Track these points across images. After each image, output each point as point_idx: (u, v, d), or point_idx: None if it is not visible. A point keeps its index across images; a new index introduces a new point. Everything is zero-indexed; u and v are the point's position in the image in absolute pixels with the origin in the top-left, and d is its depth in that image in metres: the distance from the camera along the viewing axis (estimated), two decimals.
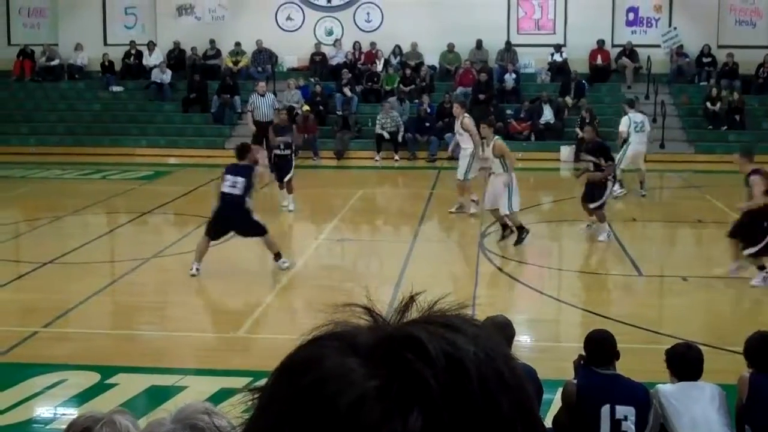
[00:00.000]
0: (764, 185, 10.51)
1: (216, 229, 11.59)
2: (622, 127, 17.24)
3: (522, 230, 13.28)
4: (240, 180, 11.46)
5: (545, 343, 9.61)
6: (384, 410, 0.79)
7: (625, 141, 17.07)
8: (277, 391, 0.86)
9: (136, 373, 8.27)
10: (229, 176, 11.61)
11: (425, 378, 0.80)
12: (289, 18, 27.31)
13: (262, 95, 21.49)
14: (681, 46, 25.92)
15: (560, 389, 5.89)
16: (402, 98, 24.78)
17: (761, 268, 10.99)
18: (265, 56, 26.73)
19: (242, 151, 12.50)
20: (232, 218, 11.49)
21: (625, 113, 17.64)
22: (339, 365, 0.82)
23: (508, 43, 26.53)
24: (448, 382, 0.81)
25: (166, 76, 26.13)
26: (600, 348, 5.71)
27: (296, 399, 0.82)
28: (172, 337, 9.67)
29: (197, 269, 11.47)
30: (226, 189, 11.50)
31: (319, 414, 0.80)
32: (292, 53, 27.01)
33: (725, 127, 24.01)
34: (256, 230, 11.65)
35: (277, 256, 11.79)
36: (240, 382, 7.32)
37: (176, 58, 27.04)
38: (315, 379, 0.82)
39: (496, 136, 13.87)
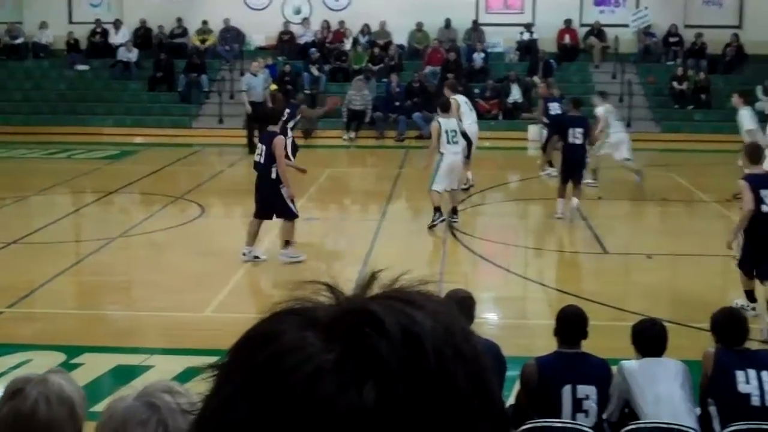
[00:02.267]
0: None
1: (255, 205, 11.13)
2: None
3: (437, 212, 12.83)
4: (263, 148, 10.92)
5: (511, 320, 9.67)
6: (339, 383, 0.79)
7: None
8: (235, 365, 0.86)
9: (101, 353, 8.22)
10: (259, 144, 11.21)
11: (380, 352, 0.81)
12: None
13: (256, 75, 21.31)
14: (649, 26, 26.02)
15: None
16: (370, 77, 24.71)
17: None
18: (232, 35, 26.53)
19: (271, 116, 11.96)
20: (259, 189, 11.07)
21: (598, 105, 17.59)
22: (296, 339, 0.83)
23: (476, 22, 26.52)
24: (404, 356, 0.81)
25: (133, 55, 25.86)
26: (571, 326, 5.73)
27: (253, 372, 0.82)
28: (138, 316, 9.62)
29: (246, 252, 11.18)
30: (255, 158, 11.11)
31: (275, 387, 0.80)
32: (260, 32, 26.80)
33: (691, 107, 24.19)
34: (282, 210, 11.03)
35: (286, 244, 11.27)
36: (207, 361, 7.22)
37: (143, 36, 26.76)
38: (272, 353, 0.82)
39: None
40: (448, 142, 12.87)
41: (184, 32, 26.78)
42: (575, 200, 13.55)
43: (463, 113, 15.77)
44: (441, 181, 12.88)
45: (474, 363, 0.87)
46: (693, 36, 25.97)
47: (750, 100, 15.28)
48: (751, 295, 9.30)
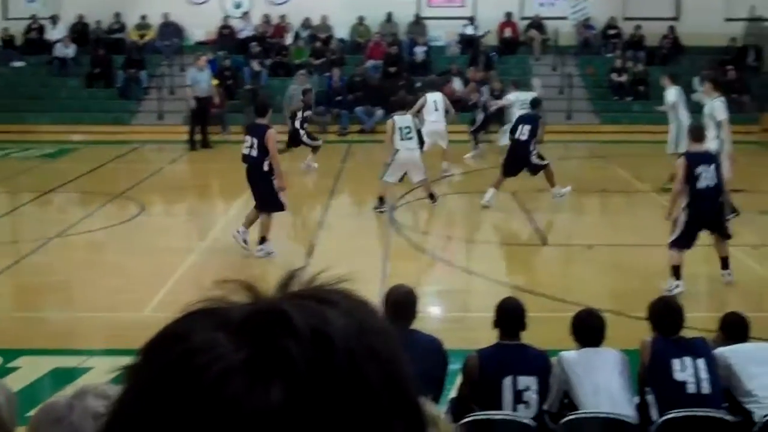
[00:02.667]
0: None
1: (254, 199, 11.17)
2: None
3: (381, 201, 13.60)
4: (255, 141, 10.91)
5: (455, 313, 9.71)
6: (247, 383, 0.80)
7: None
8: (144, 365, 0.86)
9: (39, 356, 8.08)
10: (247, 137, 11.13)
11: (289, 351, 0.81)
12: None
13: (202, 70, 21.05)
14: (588, 19, 26.28)
15: None
16: (312, 72, 24.61)
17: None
18: (171, 30, 26.24)
19: (262, 108, 11.77)
20: (251, 182, 11.09)
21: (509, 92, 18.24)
22: (206, 339, 0.83)
23: (417, 16, 26.55)
24: (313, 355, 0.82)
25: (70, 51, 25.44)
26: (510, 318, 5.76)
27: (162, 372, 0.83)
28: (77, 317, 9.47)
29: (241, 231, 11.30)
30: (244, 150, 11.07)
31: (183, 386, 0.80)
32: (200, 26, 26.54)
33: (630, 98, 24.47)
34: (270, 203, 11.09)
35: (263, 240, 11.29)
36: None
37: (80, 32, 26.34)
38: (181, 352, 0.82)
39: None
40: (402, 138, 13.54)
41: (122, 27, 26.43)
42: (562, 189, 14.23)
43: (427, 111, 16.09)
44: (392, 173, 13.57)
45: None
46: (631, 28, 26.27)
47: (677, 81, 16.21)
48: (677, 271, 9.69)
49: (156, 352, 0.85)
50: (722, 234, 9.84)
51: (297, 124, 17.25)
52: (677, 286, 9.56)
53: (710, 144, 11.75)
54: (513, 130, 14.38)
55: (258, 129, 11.02)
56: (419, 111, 16.43)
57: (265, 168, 10.85)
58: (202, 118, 20.89)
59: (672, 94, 15.90)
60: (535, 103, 15.20)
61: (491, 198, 13.87)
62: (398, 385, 0.87)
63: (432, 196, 13.99)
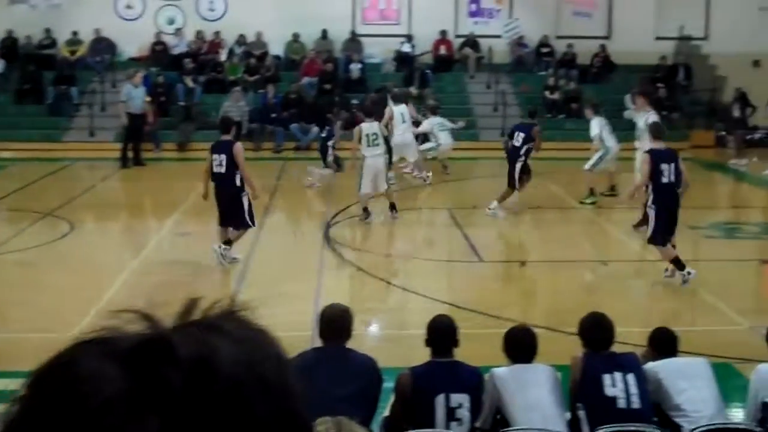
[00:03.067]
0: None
1: (219, 214, 11.24)
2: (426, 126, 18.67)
3: (365, 211, 14.07)
4: (223, 158, 10.96)
5: (390, 331, 9.68)
6: (127, 413, 0.81)
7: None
8: (32, 391, 0.86)
9: None
10: (215, 155, 11.11)
11: (169, 381, 0.82)
12: (128, 6, 26.56)
13: (137, 86, 20.73)
14: (521, 37, 26.60)
15: None
16: (246, 88, 24.49)
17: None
18: (103, 46, 25.91)
19: (225, 125, 11.91)
20: (223, 199, 11.11)
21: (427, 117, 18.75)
22: (92, 369, 0.84)
23: (353, 33, 26.60)
24: (194, 385, 0.83)
25: None
26: (442, 336, 5.76)
27: (47, 399, 0.83)
28: (7, 338, 9.24)
29: (223, 255, 11.27)
30: (215, 169, 11.08)
31: (67, 414, 0.81)
32: (132, 42, 26.23)
33: (563, 116, 24.78)
34: (242, 220, 11.16)
35: (228, 243, 11.30)
36: None
37: (9, 47, 25.88)
38: (66, 382, 0.83)
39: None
40: (369, 145, 13.95)
41: (53, 43, 26.03)
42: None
43: (395, 123, 16.26)
44: (366, 184, 13.97)
45: (280, 393, 0.88)
46: (564, 47, 26.64)
47: (599, 110, 16.27)
48: (679, 262, 10.38)
49: (43, 379, 0.86)
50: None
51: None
52: (689, 273, 10.27)
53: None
54: (510, 136, 15.32)
55: (224, 145, 11.12)
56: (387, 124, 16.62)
57: (237, 183, 10.96)
58: (136, 136, 20.62)
59: (595, 125, 15.86)
60: (531, 114, 16.26)
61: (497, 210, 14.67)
62: (288, 417, 0.88)
63: (393, 207, 14.36)
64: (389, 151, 14.55)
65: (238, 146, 11.16)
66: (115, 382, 0.82)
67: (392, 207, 14.35)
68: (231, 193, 11.00)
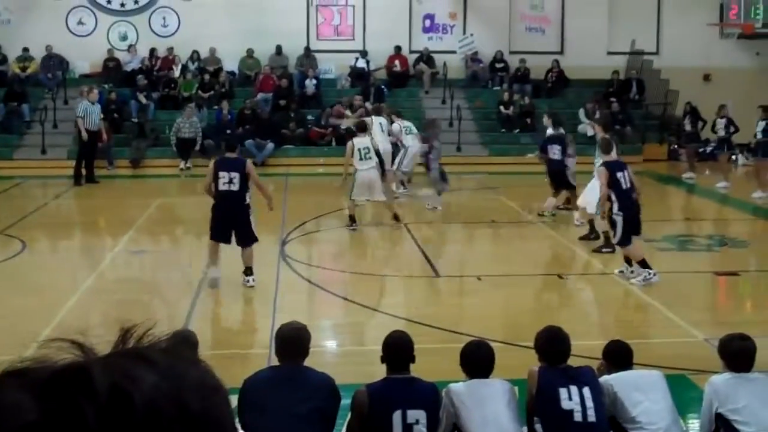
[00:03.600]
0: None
1: (217, 230, 11.12)
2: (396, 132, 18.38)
3: (351, 219, 14.72)
4: (236, 175, 10.84)
5: (348, 347, 9.63)
6: None
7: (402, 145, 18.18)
8: None
9: None
10: (223, 173, 10.91)
11: (83, 411, 0.82)
12: (80, 22, 26.33)
13: (93, 103, 20.43)
14: (476, 52, 26.77)
15: None
16: (200, 105, 24.36)
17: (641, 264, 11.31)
18: (55, 62, 25.65)
19: (231, 143, 11.83)
20: (233, 217, 11.01)
21: (393, 121, 18.39)
22: (8, 400, 0.84)
23: (307, 48, 26.59)
24: (108, 416, 0.83)
25: None
26: (398, 351, 5.74)
27: None
28: None
29: (213, 275, 11.18)
30: (222, 186, 10.88)
31: None
32: (84, 58, 26.03)
33: (517, 130, 24.96)
34: (250, 236, 11.10)
35: (249, 270, 11.19)
36: None
37: None
38: None
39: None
40: (361, 159, 14.51)
41: (4, 59, 25.72)
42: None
43: (374, 133, 16.44)
44: (357, 193, 14.56)
45: (203, 424, 0.88)
46: (517, 62, 26.85)
47: (559, 121, 16.26)
48: (644, 263, 11.15)
49: None
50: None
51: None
52: (654, 275, 11.09)
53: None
54: (543, 149, 15.46)
55: (235, 162, 11.04)
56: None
57: (247, 200, 10.93)
58: (90, 153, 20.38)
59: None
60: (558, 122, 16.13)
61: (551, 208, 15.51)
62: None
63: (396, 217, 14.82)
64: (381, 163, 14.92)
65: (251, 164, 11.28)
66: (29, 414, 0.82)
67: (395, 217, 14.89)
68: (241, 209, 10.93)
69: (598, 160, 12.46)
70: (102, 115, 20.93)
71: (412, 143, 18.27)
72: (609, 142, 12.40)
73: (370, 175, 14.47)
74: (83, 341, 0.92)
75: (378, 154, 14.89)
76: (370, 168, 14.48)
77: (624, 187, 11.30)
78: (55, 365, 0.88)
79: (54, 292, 11.15)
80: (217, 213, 11.13)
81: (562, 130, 16.08)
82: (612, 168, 11.44)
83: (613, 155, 12.10)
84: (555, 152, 15.25)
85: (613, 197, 11.27)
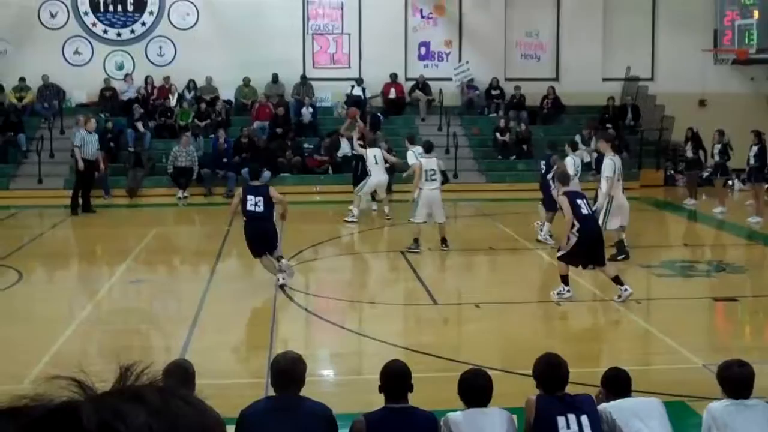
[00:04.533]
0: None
1: (253, 248, 12.70)
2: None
3: (416, 242, 15.17)
4: (260, 199, 12.49)
5: (346, 376, 9.59)
6: None
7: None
8: None
9: None
10: (251, 196, 12.59)
11: None
12: (77, 52, 26.42)
13: (90, 132, 20.42)
14: (471, 79, 26.87)
15: None
16: (197, 133, 24.40)
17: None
18: (51, 92, 25.72)
19: (255, 171, 14.08)
20: (263, 233, 12.56)
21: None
22: None
23: (303, 77, 26.67)
24: None
25: None
26: (396, 380, 5.70)
27: None
28: None
29: (282, 277, 12.52)
30: (250, 207, 12.53)
31: None
32: (81, 88, 26.10)
33: (514, 157, 25.00)
34: (274, 244, 12.75)
35: (278, 264, 12.65)
36: None
37: None
38: None
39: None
40: (427, 180, 15.13)
41: (0, 89, 25.76)
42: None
43: (369, 165, 16.71)
44: (419, 213, 15.13)
45: None
46: (513, 89, 26.94)
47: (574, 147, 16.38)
48: (566, 280, 11.84)
49: None
50: (600, 263, 11.88)
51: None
52: (568, 291, 11.83)
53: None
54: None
55: (259, 189, 12.83)
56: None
57: (274, 218, 12.71)
58: (87, 182, 20.35)
59: (570, 165, 15.41)
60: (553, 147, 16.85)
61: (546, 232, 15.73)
62: None
63: (444, 241, 15.29)
64: (444, 182, 15.73)
65: (272, 189, 12.96)
66: None
67: (443, 241, 15.30)
68: (269, 227, 12.61)
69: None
70: (98, 145, 20.91)
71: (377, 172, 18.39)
72: (567, 175, 12.96)
73: (433, 194, 15.13)
74: (83, 378, 0.93)
75: (444, 175, 15.76)
76: (433, 188, 15.14)
77: (584, 212, 11.77)
78: (50, 404, 0.89)
79: (51, 322, 11.12)
80: (248, 232, 12.69)
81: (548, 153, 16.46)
82: (572, 196, 11.86)
83: (572, 186, 12.59)
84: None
85: (576, 223, 11.67)
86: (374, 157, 17.93)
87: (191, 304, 11.78)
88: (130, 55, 26.60)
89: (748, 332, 11.66)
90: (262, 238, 12.58)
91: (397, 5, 27.12)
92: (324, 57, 27.33)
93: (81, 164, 20.02)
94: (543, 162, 16.39)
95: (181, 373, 5.39)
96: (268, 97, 25.95)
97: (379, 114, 25.62)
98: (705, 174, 23.45)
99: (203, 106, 25.42)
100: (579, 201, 11.83)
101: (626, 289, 11.61)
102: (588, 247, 11.64)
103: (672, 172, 25.57)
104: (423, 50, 27.68)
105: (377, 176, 18.12)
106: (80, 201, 20.22)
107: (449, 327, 11.50)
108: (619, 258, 14.04)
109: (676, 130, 25.64)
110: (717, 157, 21.02)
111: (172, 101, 25.82)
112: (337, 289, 13.50)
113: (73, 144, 20.60)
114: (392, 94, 26.87)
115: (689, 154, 22.78)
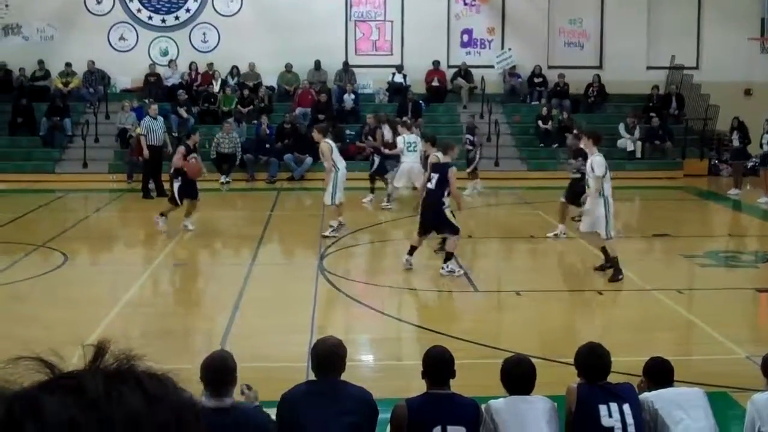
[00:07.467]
0: None
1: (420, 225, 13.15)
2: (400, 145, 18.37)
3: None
4: (435, 175, 12.65)
5: (385, 362, 9.60)
6: None
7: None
8: None
9: None
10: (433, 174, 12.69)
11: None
12: (122, 38, 26.67)
13: (155, 118, 20.59)
14: (514, 67, 26.72)
15: None
16: (240, 119, 24.54)
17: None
18: (97, 77, 26.00)
19: (443, 144, 13.57)
20: (430, 214, 12.84)
21: (399, 134, 18.38)
22: None
23: (346, 63, 26.70)
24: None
25: None
26: (438, 366, 5.70)
27: None
28: None
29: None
30: (429, 185, 12.71)
31: None
32: (126, 74, 26.37)
33: (556, 145, 24.84)
34: (447, 227, 12.88)
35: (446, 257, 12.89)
36: None
37: (2, 79, 25.93)
38: None
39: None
40: (409, 151, 15.71)
41: (47, 75, 26.09)
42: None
43: (335, 158, 16.21)
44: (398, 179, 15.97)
45: None
46: (556, 77, 26.76)
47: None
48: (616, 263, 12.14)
49: None
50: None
51: None
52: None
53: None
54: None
55: (439, 167, 12.79)
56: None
57: (442, 198, 12.81)
58: (155, 168, 20.32)
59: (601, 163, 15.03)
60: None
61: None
62: None
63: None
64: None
65: (453, 169, 12.81)
66: None
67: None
68: (437, 207, 12.68)
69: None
70: (139, 129, 21.01)
71: (408, 161, 18.04)
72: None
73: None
74: (53, 361, 0.94)
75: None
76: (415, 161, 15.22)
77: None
78: (6, 392, 0.89)
79: (95, 305, 11.25)
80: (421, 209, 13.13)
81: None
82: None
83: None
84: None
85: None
86: (409, 143, 17.80)
87: (234, 288, 11.87)
88: (174, 41, 26.80)
89: None
90: (428, 218, 13.01)
91: None
92: (366, 44, 27.34)
93: (146, 153, 20.07)
94: (435, 175, 15.59)
95: (218, 366, 5.37)
96: (310, 84, 26.01)
97: (420, 101, 25.59)
98: (750, 164, 23.15)
99: (246, 92, 25.55)
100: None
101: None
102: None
103: (716, 161, 25.27)
104: (465, 37, 27.58)
105: (408, 163, 17.92)
106: (152, 186, 20.19)
107: (489, 314, 11.49)
108: (607, 266, 12.64)
109: (721, 120, 25.32)
110: (766, 147, 20.73)
111: (216, 87, 25.99)
112: (377, 274, 13.52)
113: (138, 133, 20.68)
114: (434, 81, 26.80)
115: (735, 143, 22.48)
